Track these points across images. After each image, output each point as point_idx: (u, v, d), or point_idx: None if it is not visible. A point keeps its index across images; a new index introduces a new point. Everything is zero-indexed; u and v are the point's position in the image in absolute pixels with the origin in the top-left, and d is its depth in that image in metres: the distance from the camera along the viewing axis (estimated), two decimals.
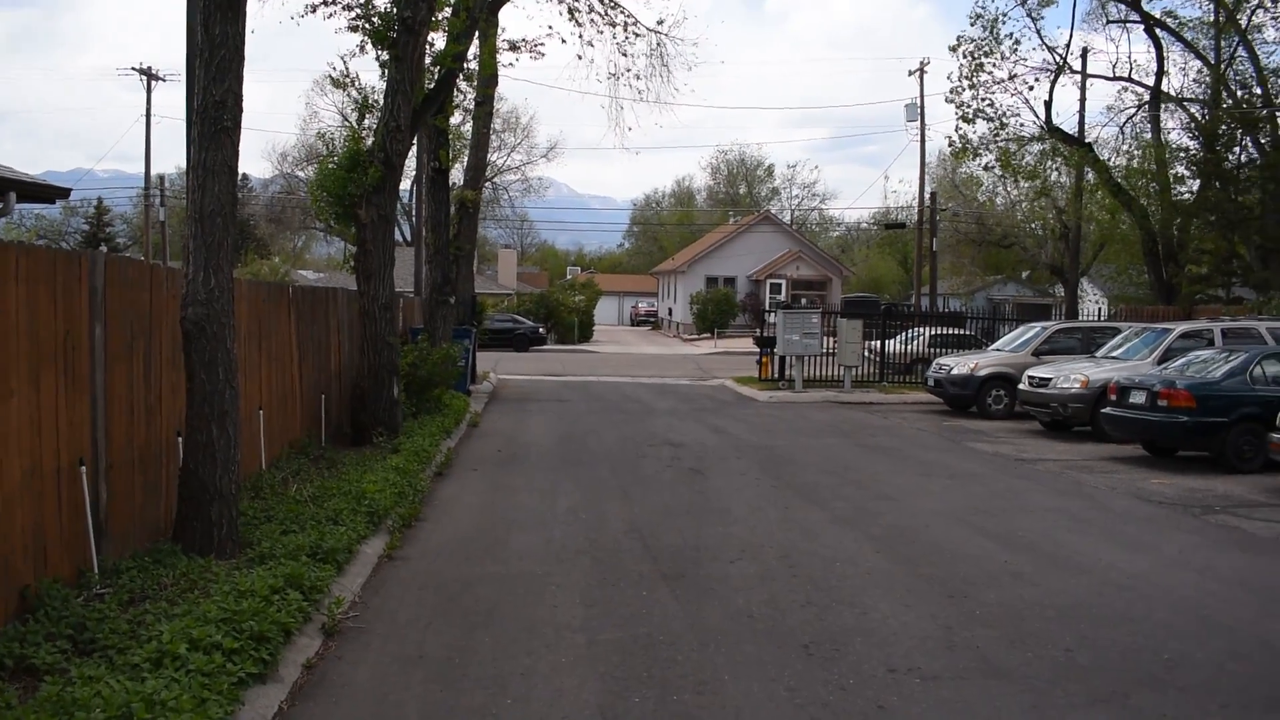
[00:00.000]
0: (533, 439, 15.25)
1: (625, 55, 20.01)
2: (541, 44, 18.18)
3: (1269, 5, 28.95)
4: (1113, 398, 14.23)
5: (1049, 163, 32.34)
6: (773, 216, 64.56)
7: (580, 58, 22.25)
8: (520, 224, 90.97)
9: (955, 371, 19.47)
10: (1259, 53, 29.06)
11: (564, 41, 23.58)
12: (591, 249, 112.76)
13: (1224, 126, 28.65)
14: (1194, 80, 31.56)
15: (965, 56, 29.26)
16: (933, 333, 25.77)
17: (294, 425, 11.56)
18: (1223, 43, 29.54)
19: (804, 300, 48.97)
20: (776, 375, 23.99)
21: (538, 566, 7.79)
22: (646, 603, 6.86)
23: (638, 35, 20.14)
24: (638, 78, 20.27)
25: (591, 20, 19.22)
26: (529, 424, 17.10)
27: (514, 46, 18.42)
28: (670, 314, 63.75)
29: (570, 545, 8.50)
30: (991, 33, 28.89)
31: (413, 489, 10.02)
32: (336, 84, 14.49)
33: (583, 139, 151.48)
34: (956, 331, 26.37)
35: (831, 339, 23.73)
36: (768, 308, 34.42)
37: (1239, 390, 13.10)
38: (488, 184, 55.82)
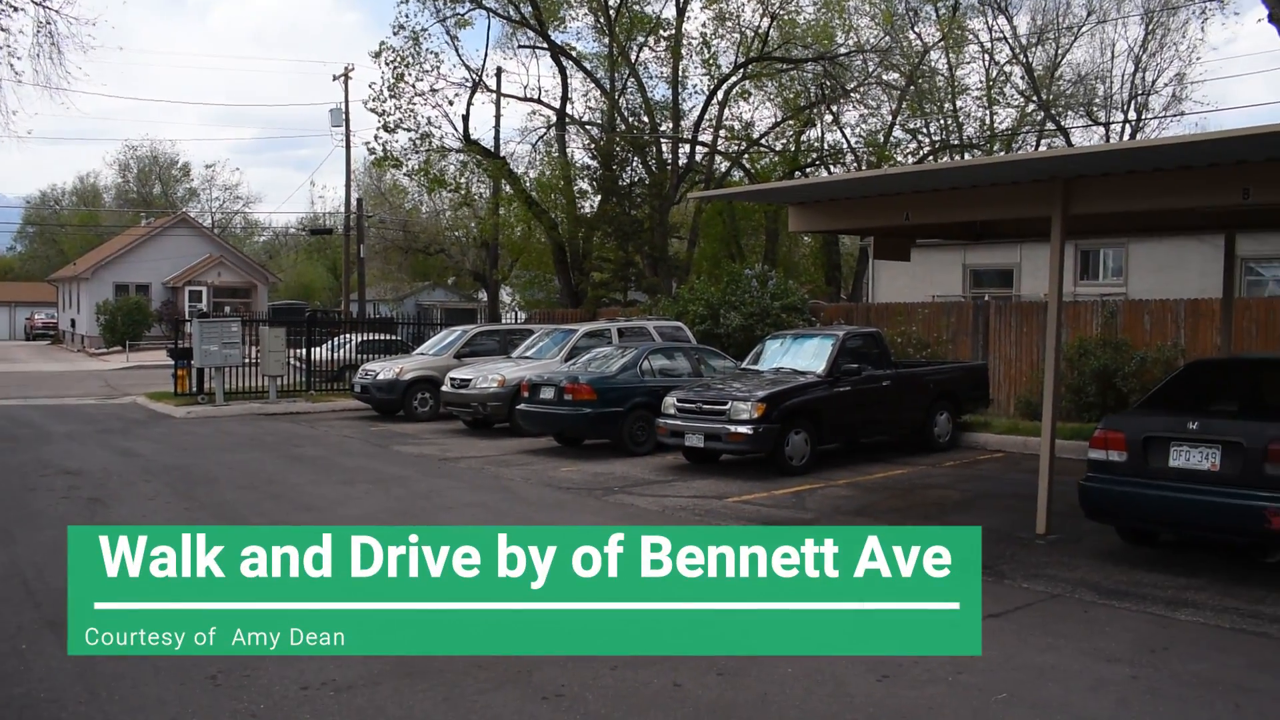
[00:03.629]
0: None
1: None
2: None
3: (652, 46, 32.77)
4: (526, 395, 15.18)
5: (469, 175, 33.90)
6: (191, 220, 60.51)
7: None
8: None
9: (381, 377, 19.58)
10: (646, 86, 32.82)
11: None
12: None
13: (618, 149, 31.94)
14: (595, 106, 34.79)
15: (388, 65, 29.65)
16: (362, 339, 25.78)
17: None
18: (617, 75, 32.88)
19: (228, 309, 46.60)
20: (195, 389, 22.47)
21: None
22: (26, 656, 5.99)
23: (15, 8, 17.78)
24: (17, 57, 17.88)
25: None
26: None
27: None
28: (74, 326, 57.19)
29: None
30: (414, 45, 29.54)
31: None
32: None
33: None
34: (386, 337, 26.60)
35: (255, 348, 22.73)
36: (187, 317, 32.17)
37: (632, 383, 14.61)
38: None
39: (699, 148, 32.66)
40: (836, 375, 13.15)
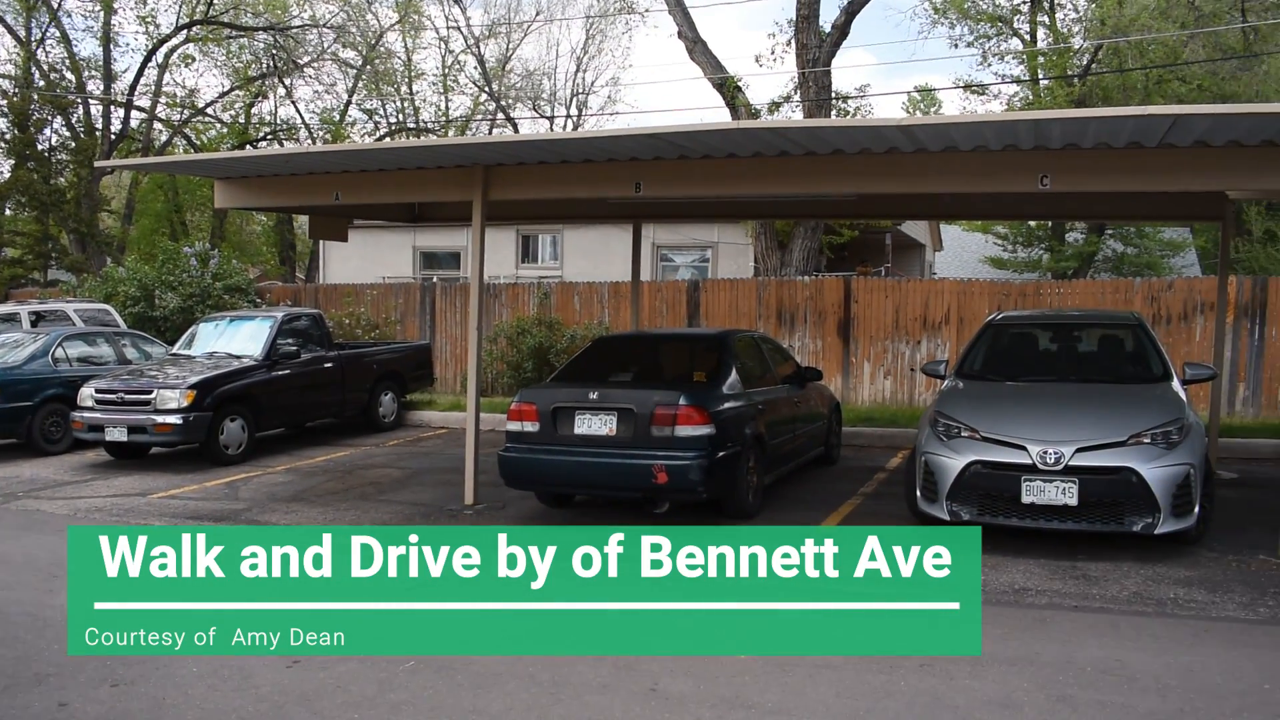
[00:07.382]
0: None
1: None
2: None
3: None
4: None
5: None
6: None
7: None
8: None
9: None
10: (73, 39, 29.47)
11: None
12: None
13: (36, 108, 28.39)
14: (8, 57, 30.66)
15: None
16: None
17: None
18: (35, 22, 29.19)
19: None
20: None
21: None
22: None
23: None
24: None
25: None
26: None
27: None
28: None
29: None
30: None
31: None
32: None
33: None
34: None
35: None
36: None
37: (43, 373, 13.07)
38: None
39: (136, 113, 30.08)
40: (275, 358, 12.78)
